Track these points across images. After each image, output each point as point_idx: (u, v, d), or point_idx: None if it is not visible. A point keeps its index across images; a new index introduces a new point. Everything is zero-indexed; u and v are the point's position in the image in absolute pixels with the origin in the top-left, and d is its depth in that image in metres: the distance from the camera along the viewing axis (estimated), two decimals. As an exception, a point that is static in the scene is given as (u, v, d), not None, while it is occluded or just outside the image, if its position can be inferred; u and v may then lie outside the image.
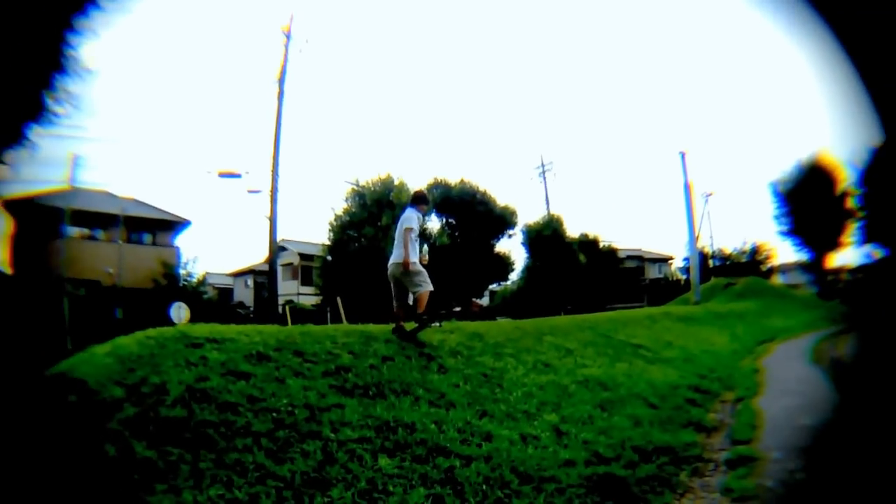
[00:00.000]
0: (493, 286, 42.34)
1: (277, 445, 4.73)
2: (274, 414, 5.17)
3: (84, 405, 4.87)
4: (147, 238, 34.70)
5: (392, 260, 8.41)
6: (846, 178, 43.72)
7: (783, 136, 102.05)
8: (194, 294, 29.89)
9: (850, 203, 43.34)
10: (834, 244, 46.08)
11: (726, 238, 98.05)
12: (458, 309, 33.62)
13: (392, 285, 8.51)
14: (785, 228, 48.56)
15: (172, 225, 35.99)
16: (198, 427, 4.76)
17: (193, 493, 4.02)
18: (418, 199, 8.98)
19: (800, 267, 52.59)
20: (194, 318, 15.27)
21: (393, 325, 8.47)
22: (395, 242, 8.48)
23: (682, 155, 32.18)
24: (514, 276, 39.97)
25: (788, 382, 9.90)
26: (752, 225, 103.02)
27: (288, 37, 25.19)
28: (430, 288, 8.26)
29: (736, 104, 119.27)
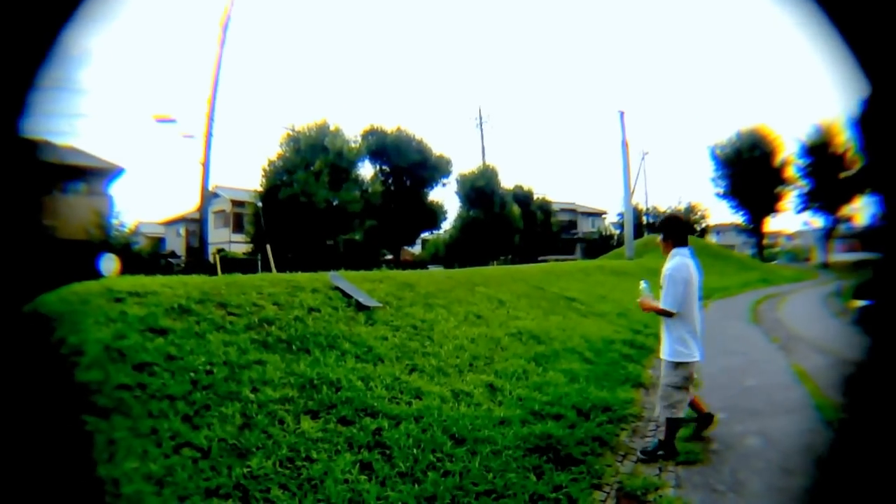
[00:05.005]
0: (426, 234, 42.47)
1: (194, 409, 4.34)
2: (191, 374, 4.78)
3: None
4: (82, 187, 32.80)
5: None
6: (785, 148, 45.93)
7: (721, 101, 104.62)
8: (125, 245, 28.56)
9: (790, 172, 45.58)
10: (771, 209, 48.25)
11: (661, 197, 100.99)
12: (390, 257, 33.51)
13: None
14: (722, 190, 50.49)
15: (106, 172, 34.14)
16: (113, 391, 4.28)
17: (108, 468, 3.58)
18: (684, 230, 5.25)
19: (736, 228, 54.59)
20: (126, 270, 14.43)
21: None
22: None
23: (621, 114, 32.94)
24: (446, 225, 40.19)
25: (726, 341, 10.14)
26: (687, 186, 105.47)
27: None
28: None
29: (676, 68, 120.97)
